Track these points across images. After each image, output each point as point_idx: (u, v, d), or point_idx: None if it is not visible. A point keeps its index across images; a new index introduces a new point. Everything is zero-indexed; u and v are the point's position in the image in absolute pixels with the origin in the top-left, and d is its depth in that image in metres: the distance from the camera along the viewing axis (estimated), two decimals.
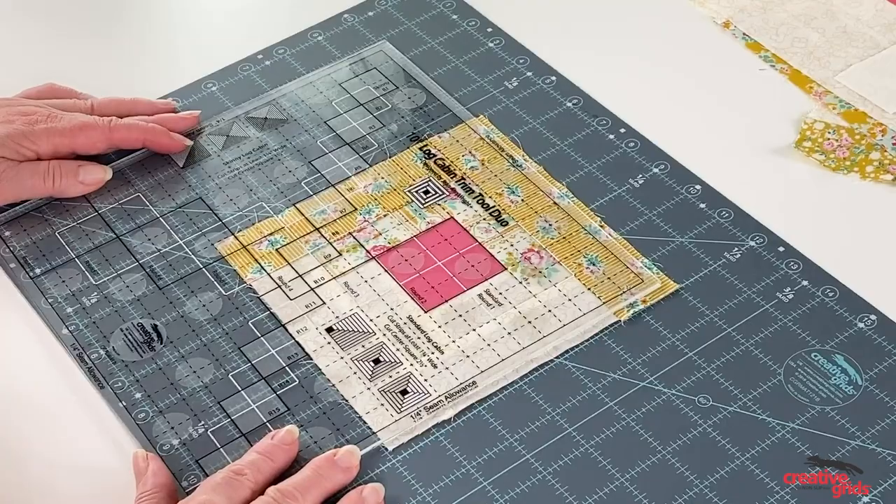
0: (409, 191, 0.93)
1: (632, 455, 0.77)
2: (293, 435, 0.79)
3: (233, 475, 0.75)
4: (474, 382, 0.82)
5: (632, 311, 0.85)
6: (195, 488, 0.76)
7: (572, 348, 0.83)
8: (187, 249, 0.90)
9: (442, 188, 0.93)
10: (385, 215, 0.92)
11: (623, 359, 0.82)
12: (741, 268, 0.87)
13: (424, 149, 0.96)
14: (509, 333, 0.84)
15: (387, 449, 0.79)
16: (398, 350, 0.83)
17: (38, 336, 0.86)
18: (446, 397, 0.81)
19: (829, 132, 0.96)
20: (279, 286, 0.88)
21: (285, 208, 0.93)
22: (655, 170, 0.94)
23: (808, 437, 0.77)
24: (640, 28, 1.06)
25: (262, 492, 0.75)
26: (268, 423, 0.80)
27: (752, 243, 0.88)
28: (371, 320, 0.85)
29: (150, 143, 0.96)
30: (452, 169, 0.94)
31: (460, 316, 0.85)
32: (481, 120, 0.98)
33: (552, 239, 0.89)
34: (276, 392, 0.82)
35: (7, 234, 0.92)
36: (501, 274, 0.87)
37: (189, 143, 0.97)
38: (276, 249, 0.90)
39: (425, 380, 0.82)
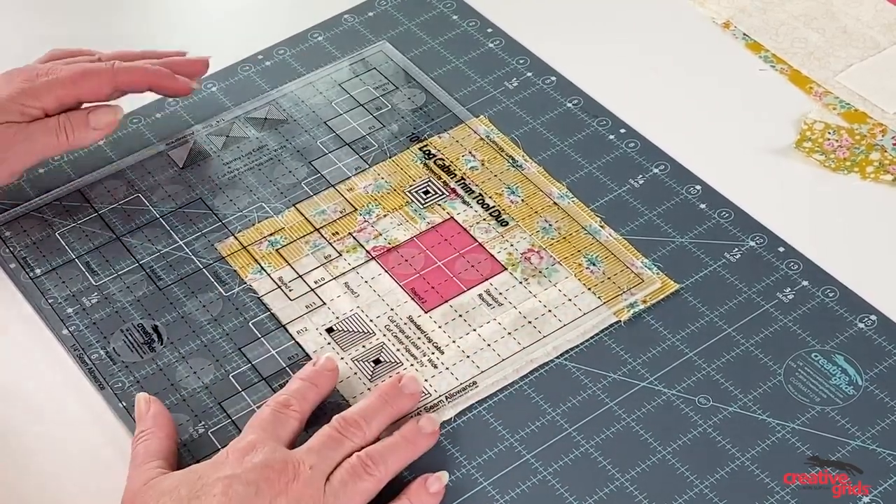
0: (408, 191, 0.93)
1: (632, 455, 0.77)
2: (334, 361, 0.79)
3: (279, 408, 0.75)
4: (474, 383, 0.82)
5: (632, 312, 0.85)
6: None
7: (572, 348, 0.83)
8: (187, 250, 0.90)
9: (442, 188, 0.93)
10: (385, 215, 0.92)
11: (623, 359, 0.82)
12: (741, 268, 0.87)
13: (424, 149, 0.96)
14: (509, 333, 0.84)
15: None
16: (398, 350, 0.83)
17: (38, 336, 0.86)
18: (446, 397, 0.81)
19: (829, 132, 0.96)
20: (279, 287, 0.88)
21: (285, 209, 0.93)
22: (655, 170, 0.94)
23: (808, 438, 0.77)
24: (640, 28, 1.06)
25: (305, 420, 0.76)
26: None
27: (752, 243, 0.88)
28: (371, 321, 0.85)
29: (156, 85, 0.93)
30: (452, 169, 0.94)
31: (460, 316, 0.85)
32: (481, 120, 0.98)
33: (552, 239, 0.89)
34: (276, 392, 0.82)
35: (7, 234, 0.92)
36: (501, 274, 0.87)
37: (196, 86, 0.95)
38: (276, 250, 0.90)
39: (425, 380, 0.82)
